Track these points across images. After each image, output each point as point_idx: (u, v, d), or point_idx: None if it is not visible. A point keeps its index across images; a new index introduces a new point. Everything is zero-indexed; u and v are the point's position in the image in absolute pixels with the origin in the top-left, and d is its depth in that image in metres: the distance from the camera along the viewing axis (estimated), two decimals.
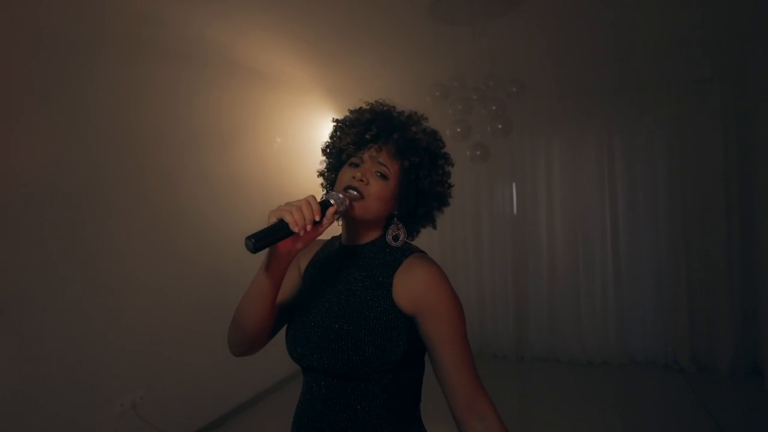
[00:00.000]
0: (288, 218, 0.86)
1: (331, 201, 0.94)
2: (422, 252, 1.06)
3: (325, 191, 1.11)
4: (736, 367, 4.02)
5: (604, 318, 4.49)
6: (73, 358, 2.51)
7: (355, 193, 0.99)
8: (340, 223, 1.12)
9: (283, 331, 1.12)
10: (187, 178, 3.31)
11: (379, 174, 1.01)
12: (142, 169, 3.00)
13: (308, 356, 1.00)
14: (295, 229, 0.86)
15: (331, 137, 1.13)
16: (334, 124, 1.12)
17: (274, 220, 0.87)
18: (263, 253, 0.91)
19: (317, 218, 0.89)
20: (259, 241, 0.83)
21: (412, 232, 1.10)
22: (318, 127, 4.70)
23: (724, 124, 4.09)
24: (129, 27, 2.83)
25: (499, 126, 3.20)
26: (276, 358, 4.30)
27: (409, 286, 0.97)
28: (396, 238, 1.05)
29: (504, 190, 4.82)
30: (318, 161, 1.20)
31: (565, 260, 4.63)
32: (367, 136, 1.03)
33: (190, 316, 3.23)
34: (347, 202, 0.97)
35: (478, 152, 3.32)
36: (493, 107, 3.25)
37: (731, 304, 4.07)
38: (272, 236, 0.86)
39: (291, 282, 1.15)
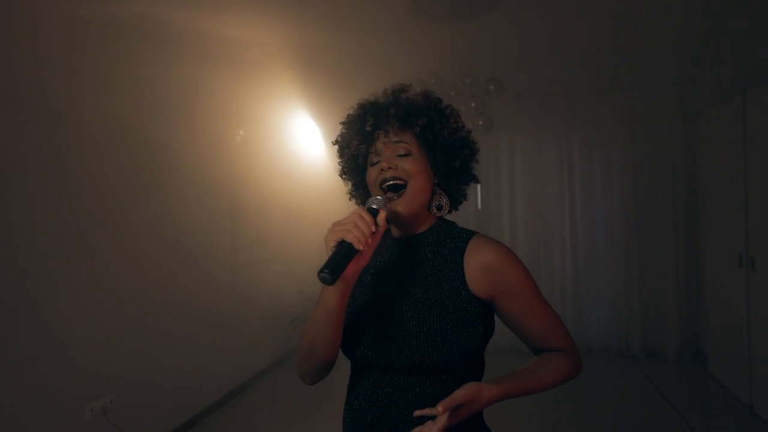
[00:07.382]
0: (350, 238, 0.85)
1: (374, 206, 0.93)
2: (479, 233, 1.03)
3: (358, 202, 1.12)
4: (682, 352, 4.38)
5: (563, 310, 4.72)
6: (37, 362, 2.29)
7: (393, 194, 0.97)
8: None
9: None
10: (162, 180, 3.13)
11: (400, 155, 0.99)
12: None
13: (375, 354, 0.96)
14: (360, 247, 0.86)
15: (340, 158, 1.12)
16: (336, 145, 1.12)
17: (333, 244, 0.86)
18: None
19: (373, 229, 0.88)
20: (333, 271, 0.83)
21: (459, 199, 1.09)
22: (289, 122, 4.57)
23: (673, 126, 4.42)
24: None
25: (480, 123, 3.27)
26: (242, 356, 4.14)
27: (484, 270, 0.95)
28: (439, 207, 1.03)
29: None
30: (285, 158, 1.15)
31: (525, 254, 4.80)
32: (368, 128, 1.01)
33: (160, 317, 3.06)
34: (389, 203, 0.95)
35: None
36: (473, 104, 3.31)
37: (677, 295, 4.42)
38: (343, 261, 0.85)
39: None
